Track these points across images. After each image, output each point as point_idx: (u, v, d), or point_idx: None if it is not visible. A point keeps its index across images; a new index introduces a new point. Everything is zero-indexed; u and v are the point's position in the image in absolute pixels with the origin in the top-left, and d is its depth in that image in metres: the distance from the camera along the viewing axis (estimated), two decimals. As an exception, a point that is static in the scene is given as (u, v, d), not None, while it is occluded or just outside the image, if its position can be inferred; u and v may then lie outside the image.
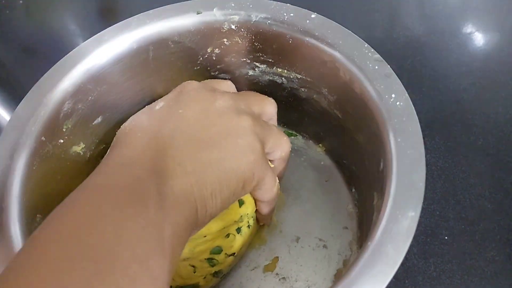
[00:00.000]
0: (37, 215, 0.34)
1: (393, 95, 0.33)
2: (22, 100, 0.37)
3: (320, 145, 0.49)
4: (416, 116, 0.32)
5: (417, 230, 0.44)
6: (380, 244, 0.27)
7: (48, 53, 0.62)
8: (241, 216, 0.39)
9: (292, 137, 0.50)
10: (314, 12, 0.39)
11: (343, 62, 0.36)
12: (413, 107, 0.32)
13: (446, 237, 0.45)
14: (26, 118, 0.36)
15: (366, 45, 0.36)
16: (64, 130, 0.38)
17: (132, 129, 0.34)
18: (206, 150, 0.31)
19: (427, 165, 0.48)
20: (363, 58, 0.35)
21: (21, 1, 0.68)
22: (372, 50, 0.36)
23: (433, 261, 0.43)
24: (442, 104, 0.54)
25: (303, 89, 0.44)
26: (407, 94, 0.33)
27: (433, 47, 0.59)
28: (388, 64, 0.35)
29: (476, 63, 0.57)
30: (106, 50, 0.40)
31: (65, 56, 0.39)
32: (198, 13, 0.40)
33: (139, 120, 0.35)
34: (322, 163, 0.48)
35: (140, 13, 0.41)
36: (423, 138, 0.51)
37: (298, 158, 0.49)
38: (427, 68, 0.57)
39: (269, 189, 0.35)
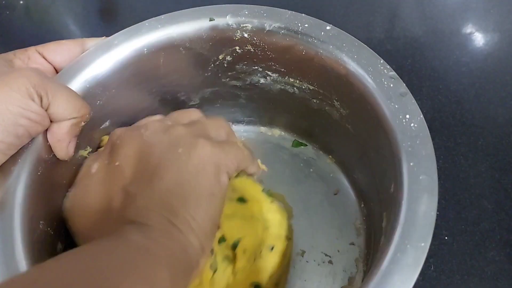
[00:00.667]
0: (41, 222, 0.34)
1: (407, 116, 0.32)
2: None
3: (331, 156, 0.48)
4: (431, 139, 0.31)
5: None
6: (387, 275, 0.26)
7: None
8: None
9: (302, 147, 0.49)
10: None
11: (357, 77, 0.35)
12: (428, 130, 0.31)
13: (446, 237, 0.44)
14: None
15: (382, 60, 0.35)
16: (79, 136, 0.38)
17: None
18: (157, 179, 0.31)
19: None
20: (378, 75, 0.34)
21: (21, 2, 0.68)
22: (388, 67, 0.35)
23: (433, 261, 0.43)
24: (442, 104, 0.54)
25: (315, 100, 0.43)
26: (422, 116, 0.32)
27: (433, 47, 0.59)
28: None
29: (476, 63, 0.57)
30: (116, 55, 0.39)
31: (74, 60, 0.38)
32: (210, 20, 0.40)
33: None
34: (331, 175, 0.47)
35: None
36: None
37: (307, 169, 0.48)
38: (427, 68, 0.57)
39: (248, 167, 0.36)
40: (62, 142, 0.33)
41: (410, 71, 0.57)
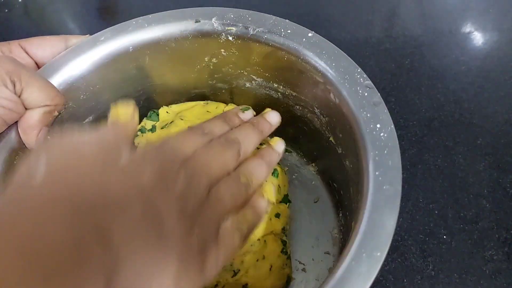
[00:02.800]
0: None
1: (378, 125, 0.32)
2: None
3: (313, 164, 0.48)
4: (399, 150, 0.30)
5: (415, 229, 0.46)
6: (340, 283, 0.26)
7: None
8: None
9: (287, 153, 0.49)
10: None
11: (334, 85, 0.35)
12: (397, 140, 0.31)
13: (444, 236, 0.44)
14: (12, 112, 0.36)
15: (359, 69, 0.35)
16: (51, 127, 0.38)
17: None
18: None
19: (426, 164, 0.49)
20: (354, 83, 0.34)
21: (20, 0, 0.70)
22: (365, 76, 0.34)
23: (432, 260, 0.43)
24: (440, 103, 0.54)
25: (298, 107, 0.43)
26: (392, 126, 0.31)
27: (432, 46, 0.59)
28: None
29: (475, 62, 0.57)
30: (101, 51, 0.40)
31: (60, 54, 0.39)
32: (196, 22, 0.40)
33: None
34: (313, 182, 0.47)
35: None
36: (422, 137, 0.52)
37: (290, 175, 0.47)
38: (426, 67, 0.57)
39: None
40: (33, 129, 0.33)
41: (409, 70, 0.57)
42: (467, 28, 0.60)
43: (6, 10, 0.68)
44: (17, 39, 0.64)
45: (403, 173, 0.30)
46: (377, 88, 0.34)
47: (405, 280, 0.42)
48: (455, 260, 0.43)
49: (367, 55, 0.58)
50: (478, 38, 0.59)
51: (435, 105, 0.53)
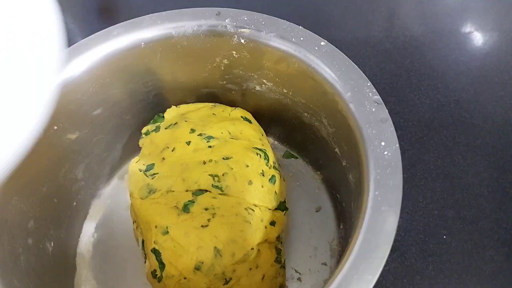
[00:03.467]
0: (14, 198, 0.35)
1: (382, 143, 0.31)
2: (21, 83, 0.37)
3: (319, 172, 0.47)
4: (401, 170, 0.30)
5: (415, 229, 0.45)
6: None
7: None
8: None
9: (293, 159, 0.49)
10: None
11: (342, 97, 0.34)
12: (401, 160, 0.30)
13: (444, 236, 0.44)
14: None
15: (369, 83, 0.34)
16: (59, 117, 0.39)
17: None
18: None
19: (426, 164, 0.49)
20: (363, 97, 0.33)
21: None
22: (374, 90, 0.34)
23: (432, 260, 0.43)
24: (440, 103, 0.53)
25: (306, 114, 0.42)
26: (397, 144, 0.31)
27: (432, 47, 0.58)
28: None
29: (475, 62, 0.56)
30: (113, 45, 0.40)
31: (73, 45, 0.39)
32: (217, 14, 0.40)
33: None
34: (316, 191, 0.46)
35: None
36: (422, 137, 0.51)
37: (294, 182, 0.47)
38: (426, 67, 0.56)
39: None
40: None
41: (409, 70, 0.56)
42: (467, 28, 0.59)
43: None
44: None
45: (403, 174, 0.30)
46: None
47: (405, 280, 0.42)
48: (455, 260, 0.42)
49: (367, 55, 0.57)
50: (478, 38, 0.58)
51: (435, 105, 0.53)
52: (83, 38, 0.39)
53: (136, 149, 0.49)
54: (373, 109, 0.33)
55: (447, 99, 0.53)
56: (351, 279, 0.26)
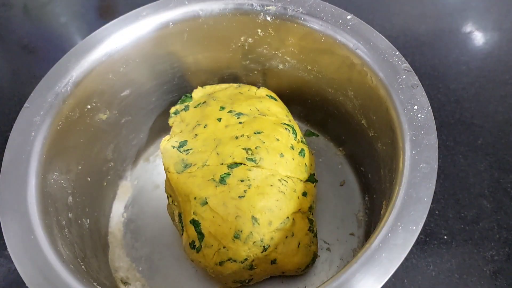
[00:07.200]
0: (55, 173, 0.36)
1: (415, 107, 0.32)
2: (56, 63, 0.38)
3: (341, 148, 0.49)
4: (435, 131, 0.31)
5: None
6: (376, 252, 0.27)
7: (46, 50, 0.62)
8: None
9: (314, 137, 0.50)
10: None
11: (372, 67, 0.36)
12: (434, 121, 0.31)
13: (445, 237, 0.44)
14: (57, 79, 0.37)
15: (397, 52, 0.35)
16: (92, 96, 0.40)
17: None
18: None
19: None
20: (392, 66, 0.35)
21: (20, 0, 0.69)
22: (403, 59, 0.35)
23: (432, 260, 0.43)
24: (441, 103, 0.54)
25: (330, 90, 0.44)
26: (430, 107, 0.32)
27: (432, 46, 0.59)
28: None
29: (475, 62, 0.57)
30: (142, 25, 0.41)
31: (103, 26, 0.40)
32: None
33: None
34: (340, 166, 0.48)
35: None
36: None
37: (316, 159, 0.48)
38: (427, 67, 0.57)
39: None
40: None
41: None
42: (468, 28, 0.60)
43: (6, 10, 0.68)
44: (17, 38, 0.64)
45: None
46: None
47: (405, 281, 0.42)
48: (456, 260, 0.43)
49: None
50: (478, 38, 0.59)
51: (435, 105, 0.53)
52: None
53: (161, 133, 0.51)
54: (404, 76, 0.34)
55: (448, 98, 0.54)
56: (396, 230, 0.28)
